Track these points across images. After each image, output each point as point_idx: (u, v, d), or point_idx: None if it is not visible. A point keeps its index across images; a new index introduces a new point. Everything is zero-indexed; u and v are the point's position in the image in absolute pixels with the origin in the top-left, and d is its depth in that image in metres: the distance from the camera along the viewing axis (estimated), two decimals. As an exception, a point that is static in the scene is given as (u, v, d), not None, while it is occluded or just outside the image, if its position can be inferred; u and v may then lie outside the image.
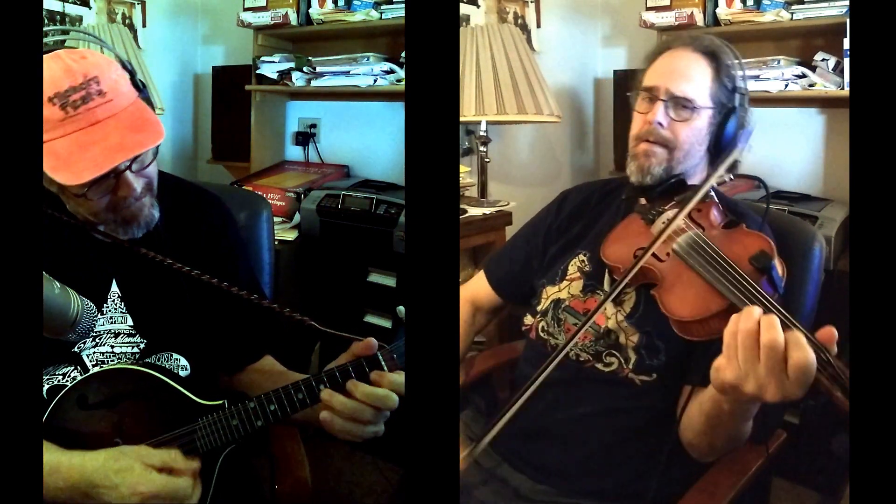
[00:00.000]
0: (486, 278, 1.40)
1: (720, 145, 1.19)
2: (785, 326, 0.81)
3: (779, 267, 0.98)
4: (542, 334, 1.21)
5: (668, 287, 1.03)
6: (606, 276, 1.17)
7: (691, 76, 1.18)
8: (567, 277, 1.23)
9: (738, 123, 1.19)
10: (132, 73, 1.02)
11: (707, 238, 1.02)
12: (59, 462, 0.90)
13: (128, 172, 0.97)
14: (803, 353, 0.79)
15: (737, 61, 1.20)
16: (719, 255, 0.97)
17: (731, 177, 1.20)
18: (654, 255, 1.05)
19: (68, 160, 0.91)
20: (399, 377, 0.93)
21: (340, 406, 0.92)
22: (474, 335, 1.44)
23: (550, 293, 1.23)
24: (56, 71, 0.93)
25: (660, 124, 1.17)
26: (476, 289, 1.40)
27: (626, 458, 1.12)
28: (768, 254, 0.95)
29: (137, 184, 0.99)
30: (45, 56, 0.94)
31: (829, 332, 0.81)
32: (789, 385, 0.81)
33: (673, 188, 1.16)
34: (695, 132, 1.17)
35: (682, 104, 1.17)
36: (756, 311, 0.83)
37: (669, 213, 1.10)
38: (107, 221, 1.02)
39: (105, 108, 0.95)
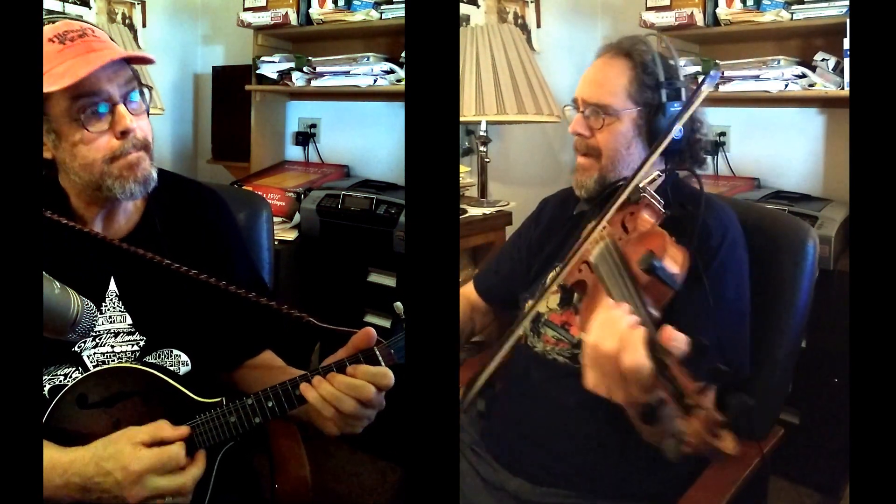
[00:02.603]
0: (474, 286, 1.44)
1: (655, 142, 1.16)
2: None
3: (671, 263, 0.95)
4: (529, 343, 1.24)
5: (587, 299, 1.03)
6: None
7: (604, 82, 1.18)
8: (546, 291, 1.23)
9: (672, 119, 1.15)
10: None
11: (619, 245, 1.01)
12: (53, 460, 0.91)
13: (121, 106, 0.99)
14: (633, 356, 0.79)
15: (661, 55, 1.18)
16: (619, 261, 0.96)
17: (660, 174, 1.17)
18: (588, 265, 1.05)
19: (65, 74, 0.95)
20: (376, 370, 0.93)
21: (325, 392, 0.93)
22: (472, 330, 1.46)
23: (530, 306, 1.23)
24: (58, 24, 1.00)
25: (580, 134, 1.19)
26: (468, 291, 1.45)
27: (613, 448, 1.12)
28: (653, 253, 0.92)
29: (133, 123, 1.00)
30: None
31: (666, 333, 0.79)
32: (632, 389, 0.80)
33: (614, 193, 1.14)
34: (616, 137, 1.17)
35: (598, 111, 1.17)
36: (600, 326, 0.84)
37: (592, 223, 1.10)
38: (104, 177, 1.01)
39: (100, 43, 1.00)
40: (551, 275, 1.24)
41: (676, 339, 0.78)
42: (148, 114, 1.06)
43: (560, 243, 1.28)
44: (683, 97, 1.18)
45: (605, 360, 0.82)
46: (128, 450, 0.91)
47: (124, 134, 0.99)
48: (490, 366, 1.10)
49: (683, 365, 0.75)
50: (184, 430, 0.95)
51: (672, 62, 1.20)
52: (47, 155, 1.02)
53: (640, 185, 1.12)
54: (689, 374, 0.74)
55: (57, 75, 0.94)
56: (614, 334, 0.81)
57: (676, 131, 1.14)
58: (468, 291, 1.45)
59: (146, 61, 1.13)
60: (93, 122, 0.98)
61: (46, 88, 0.94)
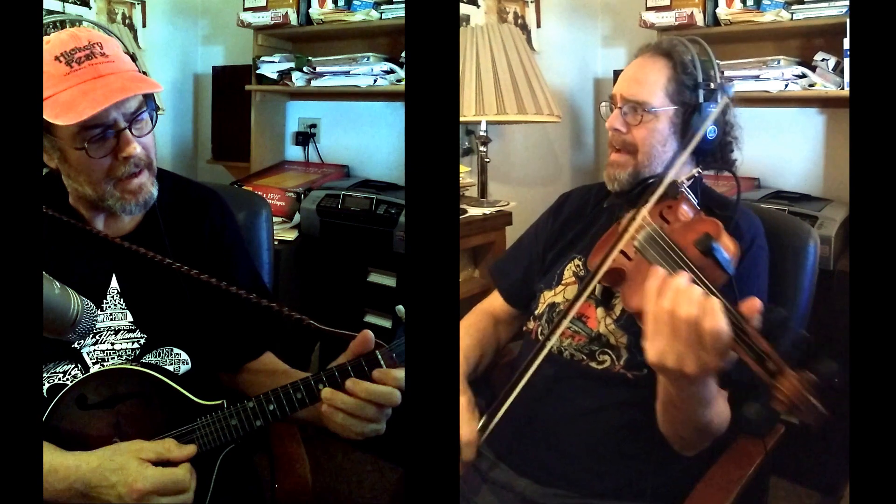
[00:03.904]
0: (498, 291, 1.40)
1: (691, 141, 1.18)
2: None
3: (726, 248, 0.98)
4: (540, 337, 1.22)
5: (629, 282, 1.05)
6: None
7: (643, 79, 1.20)
8: (563, 282, 1.24)
9: (710, 119, 1.17)
10: (133, 59, 1.05)
11: (665, 232, 1.03)
12: (55, 463, 0.90)
13: (127, 132, 0.98)
14: (714, 321, 0.80)
15: (699, 57, 1.19)
16: (669, 245, 0.98)
17: (698, 172, 1.21)
18: (624, 254, 1.07)
19: (71, 105, 0.93)
20: (402, 373, 0.93)
21: (342, 404, 0.92)
22: (498, 346, 1.41)
23: (547, 297, 1.25)
24: (63, 37, 0.98)
25: (617, 130, 1.21)
26: (493, 301, 1.41)
27: (626, 453, 1.12)
28: (710, 235, 0.95)
29: (137, 147, 1.00)
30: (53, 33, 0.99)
31: (751, 303, 0.82)
32: (706, 355, 0.82)
33: (648, 189, 1.16)
34: (653, 134, 1.18)
35: (636, 108, 1.19)
36: (667, 283, 0.85)
37: (628, 214, 1.11)
38: (105, 195, 1.02)
39: (108, 66, 0.98)
40: (569, 266, 1.25)
41: (756, 307, 0.80)
42: (153, 129, 1.04)
43: (580, 234, 1.29)
44: (719, 99, 1.19)
45: (683, 325, 0.83)
46: (134, 465, 0.90)
47: (127, 158, 0.99)
48: (517, 388, 1.08)
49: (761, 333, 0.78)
50: (190, 449, 0.94)
51: (710, 64, 1.21)
52: (51, 164, 1.03)
53: (679, 182, 1.14)
54: (768, 341, 0.76)
55: (62, 105, 0.93)
56: (691, 301, 0.83)
57: (710, 131, 1.17)
58: (490, 307, 1.41)
59: (154, 88, 1.03)
60: (96, 147, 0.98)
61: (51, 117, 0.93)
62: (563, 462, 1.15)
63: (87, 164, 0.99)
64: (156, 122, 1.04)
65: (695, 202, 1.13)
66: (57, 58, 0.95)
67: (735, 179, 1.19)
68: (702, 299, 0.83)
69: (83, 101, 0.93)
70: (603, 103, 1.26)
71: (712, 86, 1.19)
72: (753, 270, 1.13)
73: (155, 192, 1.05)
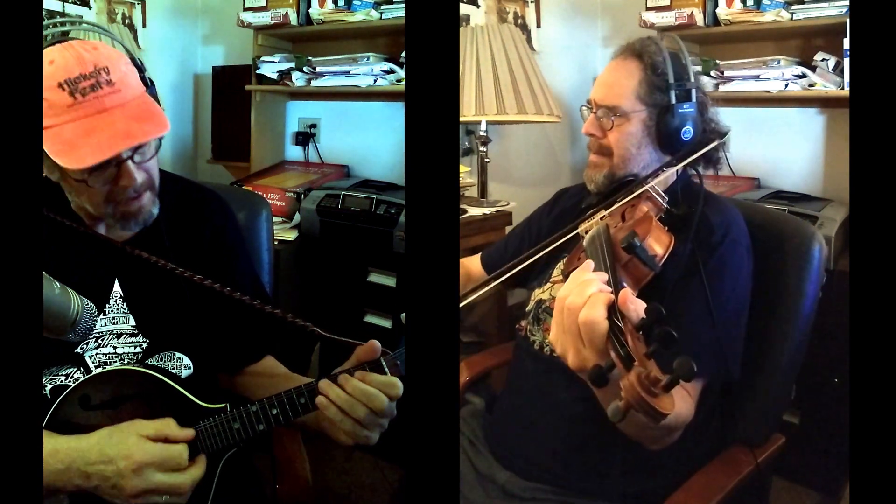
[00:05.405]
0: (480, 259, 1.50)
1: (666, 142, 1.19)
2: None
3: (654, 245, 0.97)
4: (528, 334, 1.24)
5: None
6: None
7: (614, 84, 1.21)
8: (551, 280, 1.26)
9: (682, 120, 1.17)
10: (141, 69, 1.03)
11: (611, 230, 1.03)
12: (55, 445, 0.91)
13: (129, 163, 0.97)
14: (589, 311, 0.80)
15: (677, 56, 1.20)
16: (601, 243, 0.98)
17: (663, 170, 1.20)
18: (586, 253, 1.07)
19: (73, 144, 0.91)
20: (386, 379, 0.93)
21: (335, 396, 0.93)
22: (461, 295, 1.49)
23: (536, 294, 1.26)
24: (68, 59, 0.93)
25: (592, 134, 1.22)
26: (472, 260, 1.51)
27: (605, 451, 1.12)
28: (635, 233, 0.95)
29: (138, 175, 0.99)
30: (58, 45, 0.95)
31: (622, 296, 0.80)
32: (584, 350, 0.81)
33: (621, 189, 1.18)
34: (626, 136, 1.19)
35: (608, 112, 1.20)
36: (571, 283, 0.85)
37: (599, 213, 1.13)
38: (105, 215, 1.02)
39: (113, 97, 0.95)
40: (559, 264, 1.26)
41: (633, 303, 0.79)
42: (157, 152, 1.02)
43: (572, 230, 1.30)
44: (694, 98, 1.19)
45: (567, 314, 0.83)
46: (133, 440, 0.91)
47: (126, 187, 0.99)
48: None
49: (639, 332, 0.76)
50: (189, 432, 0.96)
51: (683, 63, 1.20)
52: (52, 178, 1.01)
53: (644, 181, 1.14)
54: (643, 341, 0.75)
55: (64, 143, 0.91)
56: (580, 293, 0.82)
57: (685, 132, 1.17)
58: (468, 263, 1.51)
59: (159, 133, 0.99)
60: (97, 178, 0.97)
61: (51, 153, 0.91)
62: (544, 457, 1.16)
63: (87, 190, 0.99)
64: (160, 145, 1.02)
65: (662, 200, 1.13)
66: (60, 84, 0.92)
67: (698, 175, 1.19)
68: (591, 292, 0.82)
69: (85, 144, 0.91)
70: (583, 106, 1.27)
71: (686, 85, 1.19)
72: (724, 265, 1.11)
73: (155, 210, 1.05)
